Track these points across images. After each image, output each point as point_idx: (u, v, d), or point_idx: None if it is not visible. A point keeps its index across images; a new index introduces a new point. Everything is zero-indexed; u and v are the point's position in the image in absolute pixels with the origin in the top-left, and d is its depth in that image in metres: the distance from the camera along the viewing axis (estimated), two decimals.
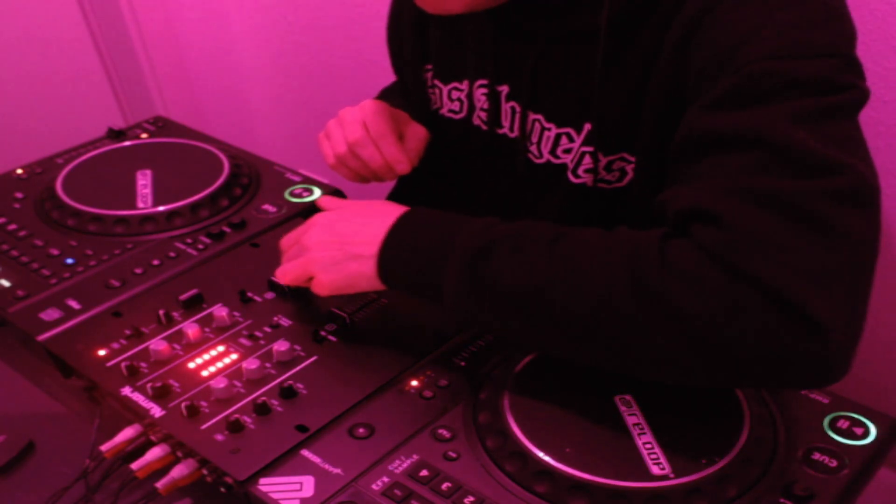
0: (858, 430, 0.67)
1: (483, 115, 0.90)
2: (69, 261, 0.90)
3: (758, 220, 0.58)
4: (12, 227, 0.96)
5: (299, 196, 1.00)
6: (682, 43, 0.70)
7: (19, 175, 1.06)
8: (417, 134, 0.93)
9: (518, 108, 0.86)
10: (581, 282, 0.61)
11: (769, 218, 0.57)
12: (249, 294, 0.84)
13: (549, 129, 0.84)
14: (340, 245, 0.74)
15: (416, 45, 0.96)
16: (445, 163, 0.99)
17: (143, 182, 1.01)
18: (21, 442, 0.76)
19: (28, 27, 1.71)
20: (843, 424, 0.68)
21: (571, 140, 0.82)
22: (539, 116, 0.84)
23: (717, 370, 0.59)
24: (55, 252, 0.91)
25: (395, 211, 0.73)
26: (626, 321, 0.60)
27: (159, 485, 0.67)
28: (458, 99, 0.93)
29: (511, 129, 0.88)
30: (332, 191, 1.01)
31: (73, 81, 1.80)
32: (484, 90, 0.88)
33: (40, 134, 1.51)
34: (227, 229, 0.94)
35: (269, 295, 0.84)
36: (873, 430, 0.67)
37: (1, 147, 1.67)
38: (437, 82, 0.95)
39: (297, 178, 1.04)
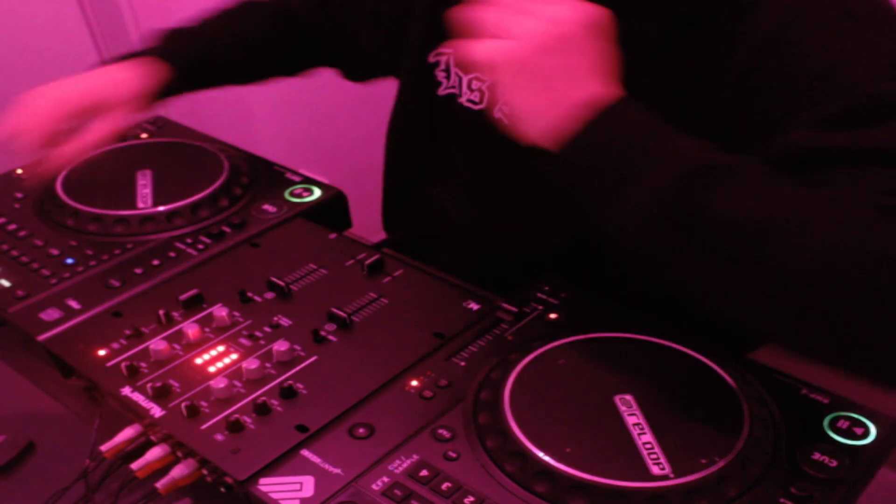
0: (858, 430, 0.67)
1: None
2: (69, 261, 0.90)
3: None
4: (12, 227, 0.96)
5: (299, 196, 1.00)
6: (755, 65, 0.69)
7: (19, 175, 1.06)
8: (92, 132, 0.94)
9: None
10: (825, 233, 0.55)
11: None
12: (249, 294, 0.84)
13: None
14: (549, 71, 0.63)
15: (429, 26, 0.93)
16: (458, 151, 0.96)
17: (143, 182, 1.01)
18: (21, 442, 0.76)
19: (28, 27, 1.71)
20: (843, 424, 0.68)
21: None
22: None
23: None
24: (55, 252, 0.91)
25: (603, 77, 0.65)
26: (865, 288, 0.54)
27: (159, 485, 0.67)
28: (479, 90, 0.91)
29: None
30: (332, 191, 1.01)
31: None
32: None
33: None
34: (227, 229, 0.94)
35: (269, 295, 0.84)
36: (873, 430, 0.67)
37: (1, 147, 1.67)
38: (457, 70, 0.92)
39: (297, 178, 1.04)
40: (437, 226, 1.01)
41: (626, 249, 0.64)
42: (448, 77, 0.94)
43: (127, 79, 0.97)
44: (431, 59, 0.94)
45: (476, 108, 0.91)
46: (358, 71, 1.16)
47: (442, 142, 0.97)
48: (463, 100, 0.93)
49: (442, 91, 0.95)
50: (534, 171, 0.87)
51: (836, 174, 0.63)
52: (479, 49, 0.65)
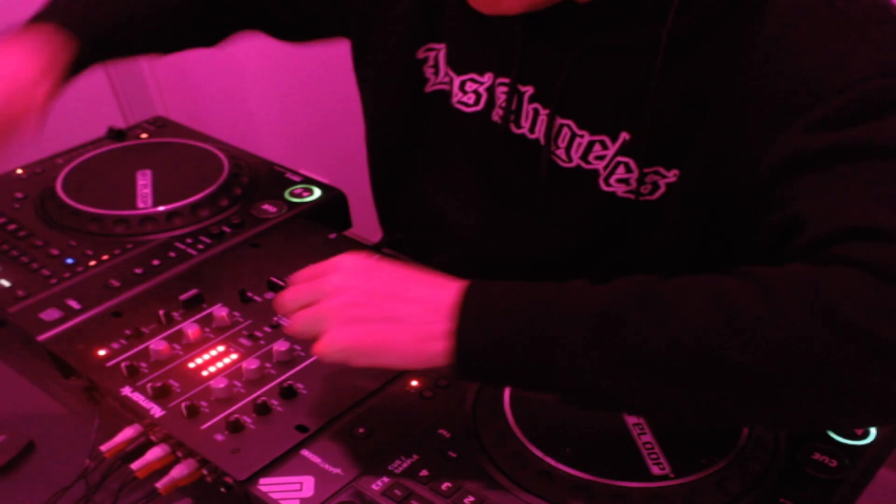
0: (858, 430, 0.67)
1: (500, 113, 0.87)
2: (69, 261, 0.90)
3: None
4: (12, 227, 0.96)
5: (299, 196, 1.00)
6: (757, 70, 0.69)
7: (19, 175, 1.06)
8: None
9: (542, 111, 0.84)
10: (757, 331, 0.54)
11: None
12: (249, 294, 0.84)
13: (580, 136, 0.81)
14: (381, 299, 0.61)
15: (421, 21, 0.91)
16: (450, 152, 0.94)
17: (143, 182, 1.01)
18: (21, 442, 0.76)
19: None
20: None
21: (605, 147, 0.80)
22: (569, 122, 0.82)
23: None
24: (55, 252, 0.91)
25: (449, 279, 0.63)
26: (824, 367, 0.53)
27: (159, 485, 0.67)
28: (475, 92, 0.89)
29: (531, 131, 0.85)
30: (332, 191, 1.01)
31: (73, 81, 1.80)
32: (504, 88, 0.86)
33: (40, 134, 1.51)
34: (227, 229, 0.94)
35: (269, 295, 0.84)
36: (873, 429, 0.67)
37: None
38: (448, 69, 0.91)
39: (297, 178, 1.04)
40: (431, 226, 1.00)
41: (596, 404, 0.59)
42: (436, 74, 0.92)
43: (26, 70, 0.79)
44: (420, 55, 0.92)
45: (469, 110, 0.90)
46: (291, 30, 1.05)
47: (430, 140, 0.95)
48: (454, 101, 0.92)
49: (429, 88, 0.93)
50: (529, 177, 0.88)
51: (831, 175, 0.63)
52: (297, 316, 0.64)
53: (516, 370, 0.58)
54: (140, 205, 0.97)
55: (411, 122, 0.94)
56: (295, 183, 1.03)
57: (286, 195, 1.00)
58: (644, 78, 0.75)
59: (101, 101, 1.86)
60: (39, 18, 0.89)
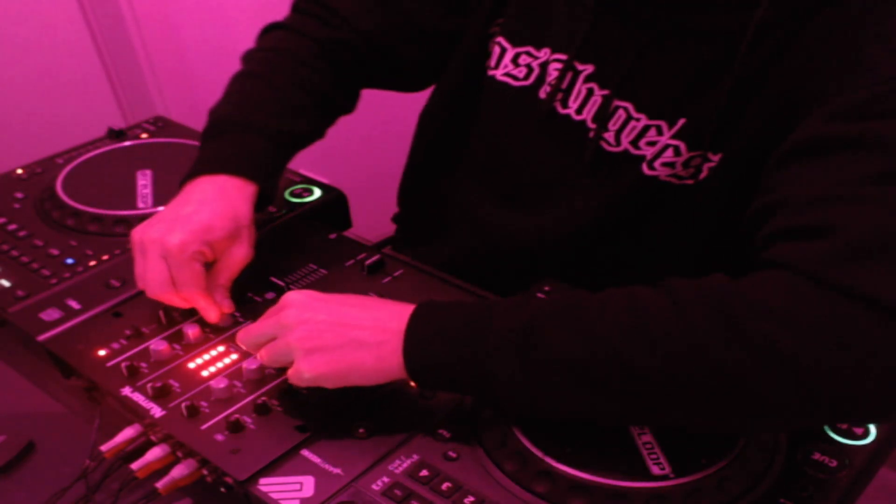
0: (858, 430, 0.67)
1: (547, 89, 0.85)
2: (69, 261, 0.90)
3: (880, 224, 0.56)
4: (12, 227, 0.96)
5: (299, 196, 1.00)
6: (815, 49, 0.69)
7: (19, 175, 1.06)
8: (234, 260, 0.81)
9: (598, 91, 0.81)
10: (665, 341, 0.57)
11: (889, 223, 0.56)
12: (249, 294, 0.84)
13: (637, 120, 0.79)
14: (337, 327, 0.66)
15: None
16: (480, 128, 0.93)
17: (143, 182, 1.01)
18: (21, 442, 0.76)
19: (28, 27, 1.71)
20: (843, 424, 0.67)
21: (660, 133, 0.78)
22: (627, 104, 0.80)
23: (829, 410, 0.56)
24: (55, 252, 0.91)
25: (396, 302, 0.68)
26: (721, 374, 0.56)
27: (159, 485, 0.67)
28: (528, 66, 0.87)
29: (578, 112, 0.83)
30: (332, 191, 1.01)
31: (73, 81, 1.80)
32: (558, 65, 0.84)
33: (40, 134, 1.51)
34: None
35: (270, 295, 0.84)
36: (873, 430, 0.67)
37: (1, 147, 1.67)
38: (502, 40, 0.88)
39: (296, 178, 1.04)
40: (450, 205, 0.99)
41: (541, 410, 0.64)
42: (491, 46, 0.89)
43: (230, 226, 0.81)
44: (492, 30, 0.90)
45: (517, 84, 0.87)
46: (417, 77, 1.01)
47: (474, 114, 0.93)
48: (501, 73, 0.89)
49: (492, 62, 0.90)
50: (567, 159, 0.84)
51: (810, 165, 0.63)
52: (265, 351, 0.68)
53: (459, 383, 0.64)
54: (140, 205, 0.97)
55: (465, 96, 0.92)
56: (295, 183, 1.03)
57: (286, 195, 1.00)
58: (714, 63, 0.74)
59: (101, 101, 1.86)
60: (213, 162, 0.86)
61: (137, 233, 0.79)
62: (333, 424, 0.69)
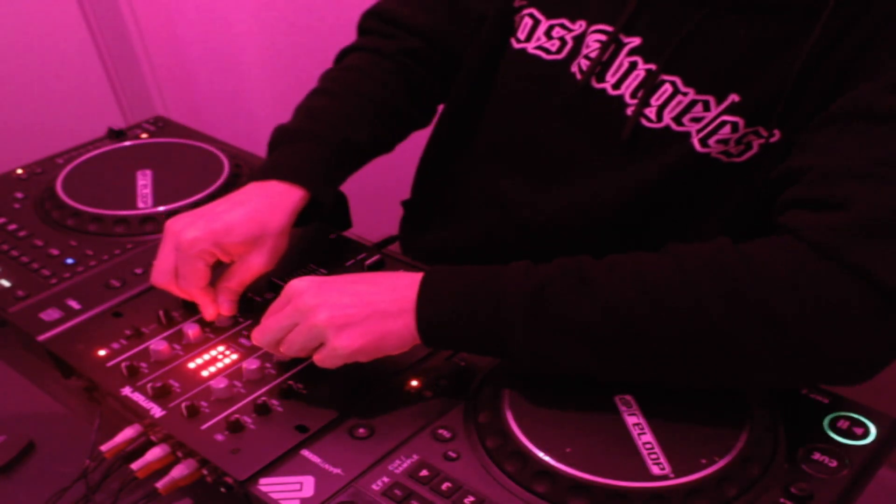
0: (858, 430, 0.67)
1: (585, 63, 0.82)
2: (69, 261, 0.90)
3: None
4: (12, 227, 0.96)
5: None
6: (881, 24, 0.68)
7: (19, 175, 1.06)
8: (248, 266, 0.80)
9: (642, 64, 0.79)
10: (667, 301, 0.61)
11: None
12: (249, 294, 0.84)
13: (684, 94, 0.77)
14: (359, 302, 0.66)
15: None
16: (505, 103, 0.91)
17: (143, 182, 1.01)
18: (21, 442, 0.76)
19: (28, 27, 1.71)
20: (843, 424, 0.68)
21: (707, 108, 0.76)
22: (675, 78, 0.77)
23: (816, 368, 0.61)
24: (55, 252, 0.91)
25: (400, 273, 0.70)
26: (720, 334, 0.60)
27: (159, 485, 0.67)
28: (561, 38, 0.85)
29: (616, 86, 0.81)
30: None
31: (73, 81, 1.80)
32: (600, 36, 0.81)
33: (40, 134, 1.51)
34: None
35: (269, 295, 0.84)
36: (873, 430, 0.67)
37: (1, 147, 1.67)
38: (535, 12, 0.86)
39: None
40: (464, 192, 0.97)
41: (552, 366, 0.67)
42: (521, 18, 0.88)
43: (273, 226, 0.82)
44: (517, 3, 0.89)
45: (549, 57, 0.85)
46: None
47: (500, 90, 0.91)
48: (532, 46, 0.87)
49: (521, 41, 0.88)
50: (600, 135, 0.83)
51: (870, 133, 0.63)
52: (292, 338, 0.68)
53: (471, 339, 0.66)
54: (140, 205, 0.97)
55: (489, 72, 0.92)
56: None
57: None
58: (772, 40, 0.73)
59: (101, 101, 1.87)
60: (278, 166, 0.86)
61: (170, 220, 0.80)
62: (333, 424, 0.69)
